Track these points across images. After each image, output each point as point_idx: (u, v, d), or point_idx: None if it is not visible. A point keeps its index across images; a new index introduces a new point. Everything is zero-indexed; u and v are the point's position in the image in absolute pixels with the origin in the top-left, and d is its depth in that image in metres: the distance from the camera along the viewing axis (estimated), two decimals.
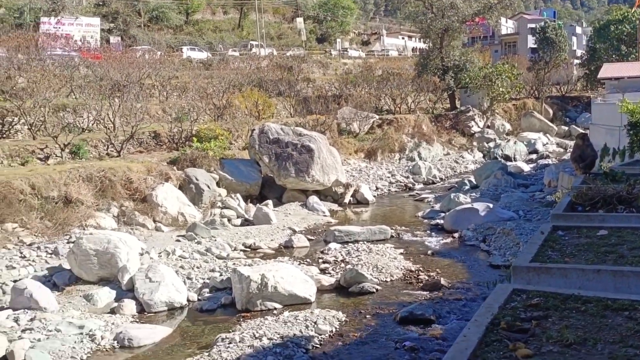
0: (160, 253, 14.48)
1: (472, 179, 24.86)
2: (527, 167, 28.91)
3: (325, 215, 19.83)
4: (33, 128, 21.35)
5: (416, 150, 31.12)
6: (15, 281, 12.05)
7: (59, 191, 16.31)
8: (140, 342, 10.01)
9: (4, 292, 11.85)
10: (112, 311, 11.43)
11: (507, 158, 31.81)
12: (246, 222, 18.41)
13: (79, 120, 23.45)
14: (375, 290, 12.24)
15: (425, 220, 18.95)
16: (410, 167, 28.35)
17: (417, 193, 24.16)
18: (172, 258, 14.27)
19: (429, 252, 15.21)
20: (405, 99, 36.51)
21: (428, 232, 17.43)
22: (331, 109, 30.48)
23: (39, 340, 9.87)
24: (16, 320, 10.61)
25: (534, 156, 33.25)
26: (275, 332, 10.05)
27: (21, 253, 13.81)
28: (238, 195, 19.91)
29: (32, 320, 10.60)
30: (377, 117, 32.65)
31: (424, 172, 27.45)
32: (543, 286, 5.66)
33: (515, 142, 34.38)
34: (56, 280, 12.57)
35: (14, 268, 13.01)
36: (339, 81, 39.22)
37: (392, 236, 16.72)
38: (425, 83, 36.85)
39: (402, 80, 37.61)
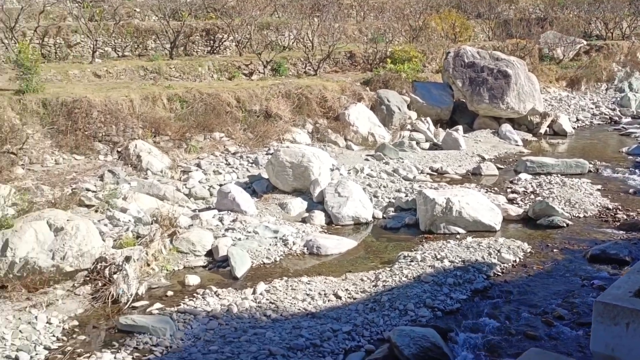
0: (349, 170, 15.05)
1: None
2: None
3: (517, 145, 19.11)
4: (240, 45, 22.77)
5: (627, 80, 28.36)
6: (220, 185, 13.34)
7: (260, 105, 17.46)
8: (327, 251, 10.68)
9: (211, 194, 13.19)
10: (303, 220, 12.25)
11: None
12: (434, 147, 18.36)
13: (281, 38, 24.52)
14: (565, 225, 11.76)
15: (630, 157, 17.55)
16: (618, 99, 26.07)
17: (623, 127, 22.31)
18: (360, 176, 14.78)
19: (631, 190, 14.17)
20: (620, 23, 33.09)
21: (632, 169, 16.15)
22: (533, 32, 28.60)
23: (239, 239, 10.94)
24: (221, 220, 11.81)
25: None
26: (457, 256, 10.14)
27: (226, 160, 15.16)
28: (428, 119, 19.80)
29: (234, 221, 11.73)
30: (585, 42, 30.10)
31: (633, 105, 25.17)
32: None
33: None
34: (255, 187, 13.69)
35: (220, 173, 14.38)
36: (544, 3, 36.48)
37: (589, 171, 15.76)
38: None
39: (618, 2, 34.01)
